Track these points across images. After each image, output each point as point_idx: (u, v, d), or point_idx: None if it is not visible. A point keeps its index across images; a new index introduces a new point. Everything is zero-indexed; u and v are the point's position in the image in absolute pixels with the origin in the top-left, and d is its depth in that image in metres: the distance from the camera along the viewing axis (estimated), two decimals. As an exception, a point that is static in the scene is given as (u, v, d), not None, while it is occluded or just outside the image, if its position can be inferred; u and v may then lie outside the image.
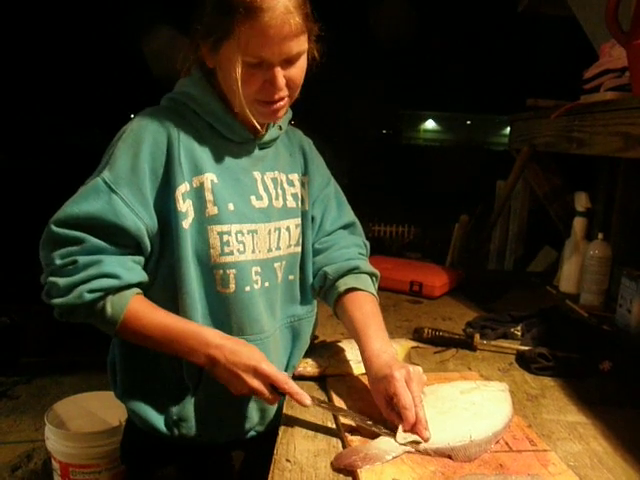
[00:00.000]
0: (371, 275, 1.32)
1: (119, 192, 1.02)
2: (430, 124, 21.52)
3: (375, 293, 1.30)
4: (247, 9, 0.98)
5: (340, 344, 1.39)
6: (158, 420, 1.15)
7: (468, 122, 19.72)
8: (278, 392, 1.04)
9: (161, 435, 1.15)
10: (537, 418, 1.15)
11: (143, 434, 1.18)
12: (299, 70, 1.09)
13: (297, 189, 1.27)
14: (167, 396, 1.15)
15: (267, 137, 1.20)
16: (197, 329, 1.07)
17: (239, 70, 1.03)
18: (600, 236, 1.88)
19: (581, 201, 2.04)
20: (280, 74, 1.05)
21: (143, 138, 1.06)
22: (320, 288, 1.32)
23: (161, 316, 1.06)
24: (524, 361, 1.42)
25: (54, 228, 1.01)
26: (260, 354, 1.06)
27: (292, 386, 1.04)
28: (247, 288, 1.14)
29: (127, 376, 1.18)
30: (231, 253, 1.11)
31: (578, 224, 2.03)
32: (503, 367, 1.41)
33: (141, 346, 1.09)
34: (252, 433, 1.23)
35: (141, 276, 1.08)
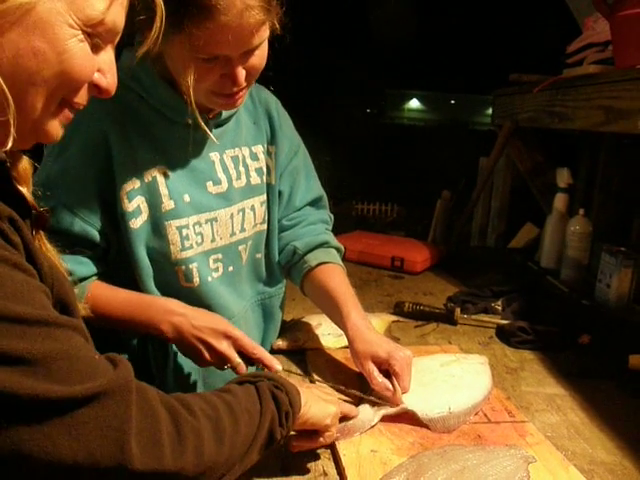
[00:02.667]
0: (338, 250, 1.31)
1: (62, 200, 0.96)
2: (414, 103, 21.48)
3: (343, 266, 1.28)
4: (199, 7, 0.87)
5: (313, 319, 1.38)
6: None
7: (452, 102, 19.70)
8: (245, 360, 1.02)
9: None
10: (516, 390, 1.16)
11: None
12: (259, 59, 0.99)
13: (262, 162, 1.21)
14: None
15: (224, 114, 1.11)
16: (157, 300, 1.04)
17: (191, 65, 0.94)
18: (581, 212, 1.88)
19: (563, 177, 2.03)
20: (240, 69, 0.96)
21: (74, 139, 0.97)
22: (287, 263, 1.29)
23: (120, 295, 1.02)
24: (504, 335, 1.42)
25: None
26: (225, 321, 1.03)
27: (261, 351, 1.02)
28: (209, 278, 1.11)
29: None
30: (191, 247, 1.07)
31: (559, 200, 2.02)
32: (483, 341, 1.41)
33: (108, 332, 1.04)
34: None
35: (94, 269, 1.03)
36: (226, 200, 1.13)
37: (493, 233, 2.64)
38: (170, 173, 1.05)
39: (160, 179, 1.03)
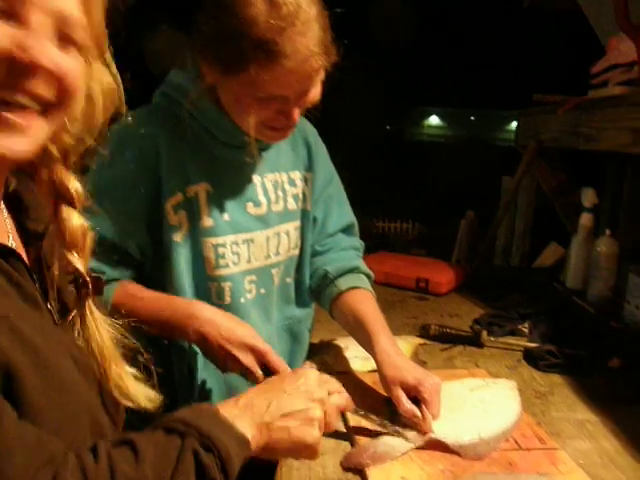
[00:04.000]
0: (368, 276, 1.32)
1: (106, 208, 0.95)
2: (434, 120, 21.47)
3: (373, 292, 1.29)
4: (267, 52, 0.91)
5: (341, 342, 1.38)
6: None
7: (472, 118, 19.67)
8: (269, 375, 1.01)
9: None
10: (546, 416, 1.15)
11: None
12: (313, 97, 1.03)
13: (299, 189, 1.24)
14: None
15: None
16: (184, 303, 1.03)
17: (248, 101, 0.97)
18: (607, 232, 1.86)
19: (588, 197, 2.02)
20: (296, 109, 1.01)
21: (127, 147, 1.00)
22: (317, 287, 1.30)
23: (148, 296, 1.03)
24: (532, 358, 1.41)
25: None
26: (254, 332, 1.03)
27: (286, 369, 1.02)
28: (242, 299, 1.13)
29: None
30: (226, 265, 1.09)
31: (585, 220, 2.01)
32: (511, 364, 1.40)
33: None
34: None
35: (127, 273, 1.04)
36: (264, 223, 1.15)
37: (517, 252, 2.62)
38: (212, 191, 1.07)
39: (202, 196, 1.06)
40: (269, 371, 1.02)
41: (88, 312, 0.67)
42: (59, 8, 0.54)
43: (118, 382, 0.68)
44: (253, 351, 1.00)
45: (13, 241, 0.63)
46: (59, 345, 0.61)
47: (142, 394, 0.70)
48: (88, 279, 0.66)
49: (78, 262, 0.65)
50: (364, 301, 1.22)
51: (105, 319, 0.69)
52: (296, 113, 1.01)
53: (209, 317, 1.01)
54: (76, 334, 0.65)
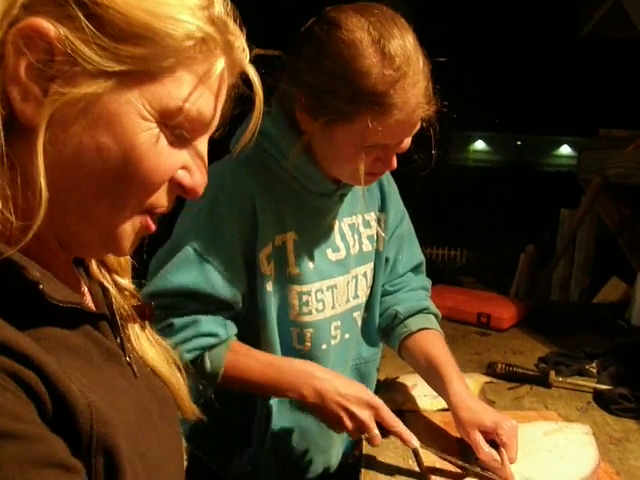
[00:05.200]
0: (436, 316, 1.32)
1: (211, 261, 0.99)
2: (479, 145, 21.32)
3: (442, 332, 1.29)
4: (380, 104, 0.91)
5: (408, 380, 1.38)
6: (221, 468, 1.14)
7: (518, 142, 19.46)
8: (383, 432, 1.02)
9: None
10: (624, 464, 1.12)
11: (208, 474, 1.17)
12: (409, 142, 1.02)
13: (373, 230, 1.23)
14: (233, 445, 1.13)
15: (347, 186, 1.13)
16: (297, 363, 1.05)
17: (349, 149, 0.97)
18: (676, 270, 1.82)
19: (654, 233, 1.98)
20: (394, 155, 1.00)
21: (225, 201, 1.00)
22: (386, 327, 1.30)
23: (258, 358, 1.04)
24: (603, 401, 1.38)
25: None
26: (367, 390, 1.04)
27: (401, 426, 1.02)
28: (324, 346, 1.12)
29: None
30: (309, 313, 1.09)
31: (651, 256, 1.97)
32: (581, 406, 1.37)
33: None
34: (319, 473, 1.21)
35: (235, 329, 1.06)
36: (344, 267, 1.15)
37: (576, 287, 2.58)
38: (298, 239, 1.08)
39: (290, 245, 1.06)
40: (383, 429, 1.02)
41: (150, 337, 0.66)
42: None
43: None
44: (369, 407, 1.01)
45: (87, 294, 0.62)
46: (146, 417, 0.58)
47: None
48: (143, 303, 0.65)
49: (132, 287, 0.64)
50: (435, 342, 1.22)
51: (161, 341, 0.68)
52: (394, 160, 1.01)
53: (324, 376, 1.02)
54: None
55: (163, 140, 0.51)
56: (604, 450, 1.15)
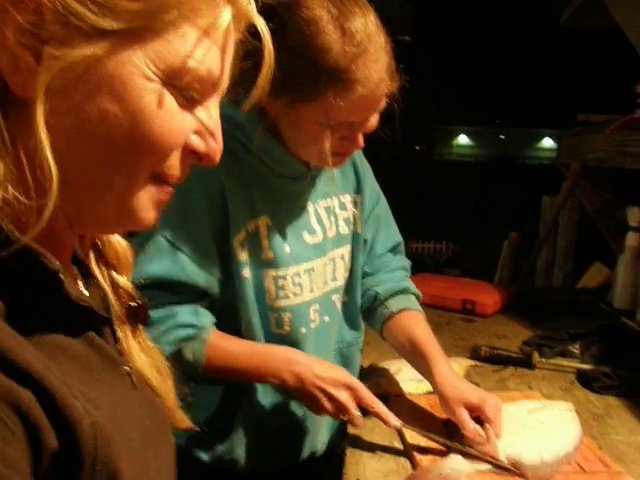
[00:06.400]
0: (417, 296, 1.32)
1: (183, 249, 0.99)
2: (463, 139, 21.40)
3: (423, 312, 1.29)
4: (342, 80, 0.91)
5: (393, 365, 1.38)
6: (204, 454, 1.13)
7: (502, 136, 19.57)
8: (363, 412, 1.03)
9: (208, 465, 1.13)
10: (605, 439, 1.13)
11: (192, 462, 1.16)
12: (375, 120, 1.03)
13: (349, 212, 1.23)
14: (216, 430, 1.12)
15: (318, 168, 1.12)
16: (278, 349, 1.06)
17: (315, 129, 0.97)
18: (656, 251, 1.85)
19: (634, 216, 2.00)
20: (360, 134, 1.01)
21: (194, 189, 0.99)
22: (367, 309, 1.30)
23: (238, 346, 1.05)
24: (586, 380, 1.39)
25: None
26: (346, 372, 1.05)
27: (380, 405, 1.03)
28: (303, 330, 1.12)
29: None
30: (286, 297, 1.09)
31: (632, 239, 1.99)
32: (564, 386, 1.39)
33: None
34: (305, 458, 1.22)
35: (212, 318, 1.06)
36: (321, 250, 1.15)
37: (559, 273, 2.60)
38: (272, 224, 1.07)
39: (263, 230, 1.06)
40: (363, 409, 1.03)
41: (142, 342, 0.62)
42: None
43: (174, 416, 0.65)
44: (347, 388, 1.02)
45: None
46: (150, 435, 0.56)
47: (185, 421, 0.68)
48: (140, 302, 0.61)
49: (130, 286, 0.61)
50: (417, 323, 1.23)
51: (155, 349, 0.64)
52: (361, 138, 1.02)
53: (303, 360, 1.03)
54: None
55: (172, 101, 0.47)
56: (586, 426, 1.17)
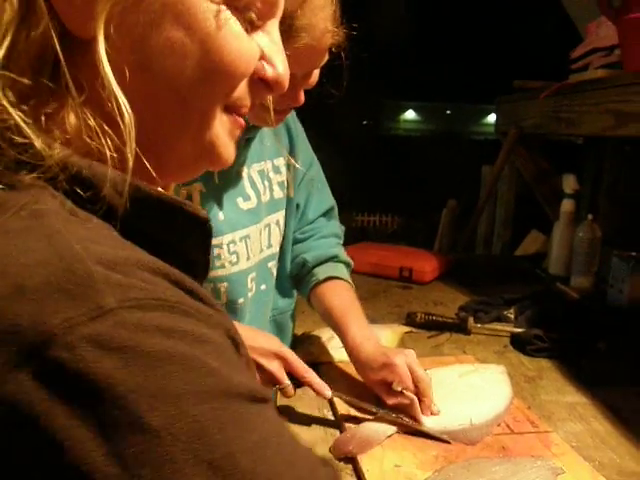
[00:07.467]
0: (347, 264, 1.29)
1: None
2: (410, 115, 21.57)
3: (351, 282, 1.26)
4: (287, 25, 0.85)
5: (326, 333, 1.36)
6: None
7: (448, 112, 19.80)
8: (295, 382, 1.00)
9: None
10: (536, 399, 1.14)
11: None
12: (315, 78, 0.98)
13: (283, 176, 1.19)
14: None
15: (254, 129, 1.08)
16: None
17: None
18: (589, 217, 1.87)
19: (569, 183, 2.02)
20: (301, 90, 0.95)
21: None
22: (296, 275, 1.27)
23: None
24: (519, 343, 1.40)
25: None
26: (278, 341, 1.01)
27: (312, 375, 1.00)
28: (241, 299, 1.08)
29: None
30: (222, 266, 1.04)
31: (566, 206, 2.01)
32: (498, 350, 1.39)
33: None
34: None
35: None
36: (256, 216, 1.10)
37: (498, 241, 2.62)
38: (205, 190, 1.02)
39: (196, 196, 1.00)
40: (293, 378, 0.99)
41: None
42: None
43: None
44: (277, 357, 0.98)
45: None
46: None
47: None
48: None
49: None
50: (339, 293, 1.19)
51: None
52: (302, 94, 0.96)
53: None
54: None
55: (238, 25, 0.44)
56: (518, 388, 1.17)
